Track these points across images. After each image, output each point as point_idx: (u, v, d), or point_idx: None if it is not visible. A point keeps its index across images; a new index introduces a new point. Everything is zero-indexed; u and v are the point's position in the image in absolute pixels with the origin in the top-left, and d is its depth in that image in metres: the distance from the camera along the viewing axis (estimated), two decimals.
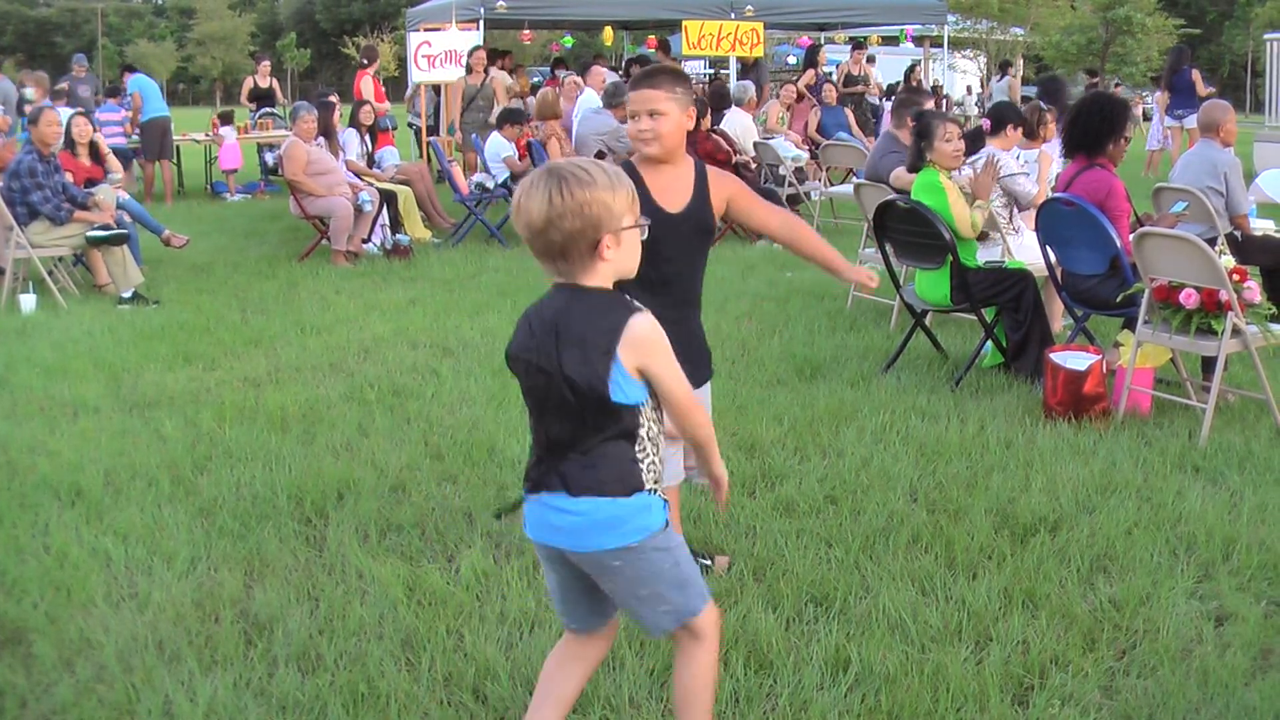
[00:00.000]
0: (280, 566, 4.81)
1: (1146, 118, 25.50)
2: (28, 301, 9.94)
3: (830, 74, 20.12)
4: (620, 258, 3.05)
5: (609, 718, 3.72)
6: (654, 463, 3.12)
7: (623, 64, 21.69)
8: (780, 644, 4.11)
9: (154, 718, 3.71)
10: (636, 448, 3.06)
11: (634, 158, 4.36)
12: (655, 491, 3.11)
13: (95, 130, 12.46)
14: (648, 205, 4.02)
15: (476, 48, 16.56)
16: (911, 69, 23.27)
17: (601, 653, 3.41)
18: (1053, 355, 6.64)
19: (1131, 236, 6.65)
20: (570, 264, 3.02)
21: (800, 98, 17.99)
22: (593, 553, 3.07)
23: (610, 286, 3.06)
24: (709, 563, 4.71)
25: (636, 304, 3.04)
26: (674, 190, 4.26)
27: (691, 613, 3.17)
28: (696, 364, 4.30)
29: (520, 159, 13.57)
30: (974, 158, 8.31)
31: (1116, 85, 30.34)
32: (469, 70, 16.15)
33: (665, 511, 3.13)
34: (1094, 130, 7.25)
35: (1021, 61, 40.18)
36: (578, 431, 3.03)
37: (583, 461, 3.05)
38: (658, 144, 4.23)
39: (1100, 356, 6.62)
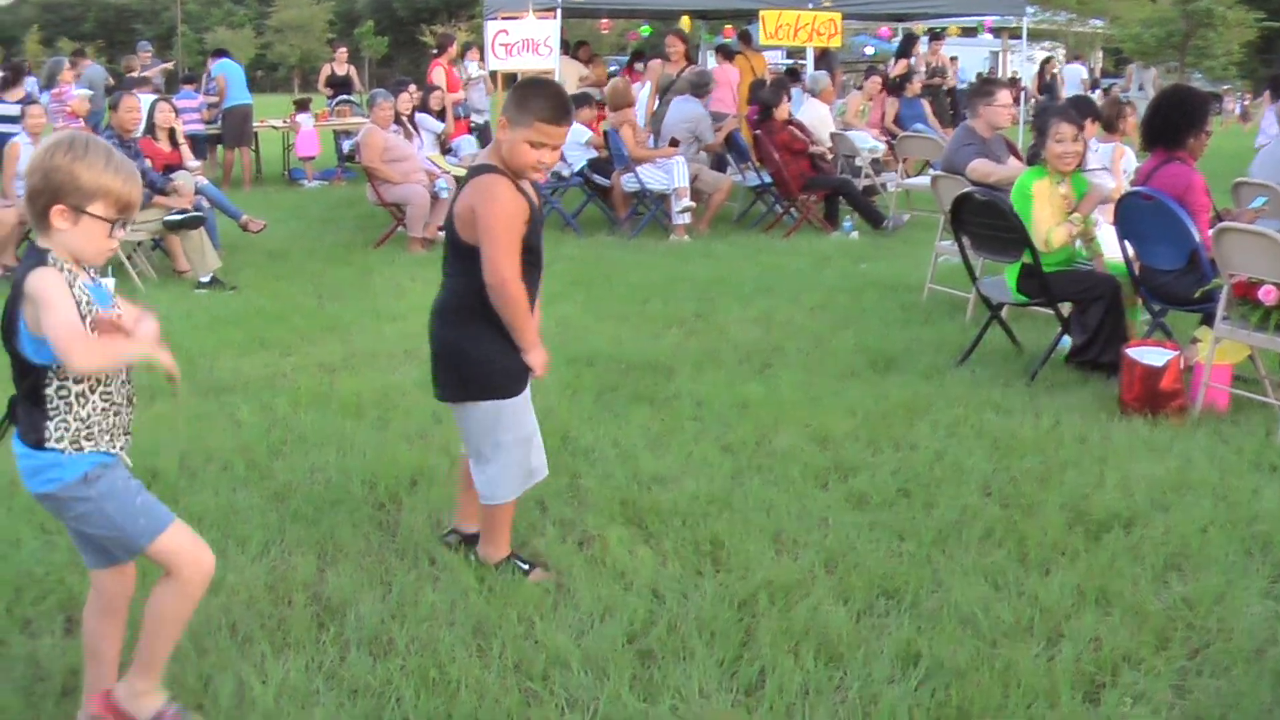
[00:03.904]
0: (353, 551, 4.85)
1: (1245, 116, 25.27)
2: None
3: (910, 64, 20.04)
4: (73, 237, 3.18)
5: (679, 707, 3.73)
6: (69, 420, 3.23)
7: (698, 54, 21.65)
8: (850, 636, 4.10)
9: (226, 699, 3.76)
10: (48, 405, 3.21)
11: (508, 176, 4.41)
12: (81, 450, 3.24)
13: (177, 117, 12.60)
14: (534, 208, 4.48)
15: (675, 31, 16.56)
16: (1046, 62, 23.15)
17: (122, 591, 3.56)
18: (1129, 351, 6.57)
19: (1211, 232, 6.58)
20: (33, 219, 3.20)
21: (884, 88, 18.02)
22: (34, 494, 3.30)
23: (63, 255, 3.19)
24: (525, 567, 4.66)
25: (50, 258, 3.16)
26: (530, 192, 4.51)
27: (135, 550, 3.37)
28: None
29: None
30: None
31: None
32: (667, 59, 16.19)
33: (87, 463, 3.26)
34: (1173, 124, 7.16)
35: (1101, 53, 39.81)
36: (19, 380, 3.22)
37: (25, 408, 3.24)
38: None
39: (1178, 352, 6.54)
